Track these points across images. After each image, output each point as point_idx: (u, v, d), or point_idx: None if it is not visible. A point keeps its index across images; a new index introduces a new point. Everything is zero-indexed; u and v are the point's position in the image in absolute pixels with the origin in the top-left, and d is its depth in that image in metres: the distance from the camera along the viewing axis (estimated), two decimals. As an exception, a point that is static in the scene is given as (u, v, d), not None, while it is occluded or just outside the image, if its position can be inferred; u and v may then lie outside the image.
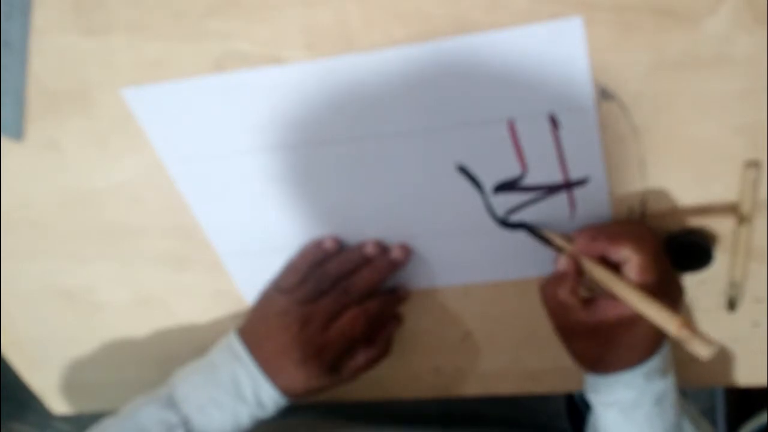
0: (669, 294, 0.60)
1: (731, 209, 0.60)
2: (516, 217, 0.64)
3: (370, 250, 0.68)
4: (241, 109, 0.61)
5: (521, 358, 0.75)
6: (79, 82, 0.62)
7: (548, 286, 0.62)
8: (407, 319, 0.74)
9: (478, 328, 0.74)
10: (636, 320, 0.58)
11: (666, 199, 0.61)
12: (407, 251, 0.68)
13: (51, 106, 0.64)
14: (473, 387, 0.78)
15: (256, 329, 0.67)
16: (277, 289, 0.68)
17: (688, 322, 0.55)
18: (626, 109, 0.56)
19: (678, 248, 0.62)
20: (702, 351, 0.54)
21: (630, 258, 0.58)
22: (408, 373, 0.78)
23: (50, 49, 0.61)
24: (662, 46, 0.53)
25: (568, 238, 0.62)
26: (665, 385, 0.62)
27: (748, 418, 1.03)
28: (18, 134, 0.66)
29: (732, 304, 0.66)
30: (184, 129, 0.63)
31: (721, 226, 0.62)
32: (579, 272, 0.61)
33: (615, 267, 0.59)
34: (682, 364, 0.70)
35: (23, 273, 0.78)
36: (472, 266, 0.69)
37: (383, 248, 0.68)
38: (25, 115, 0.65)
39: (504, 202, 0.63)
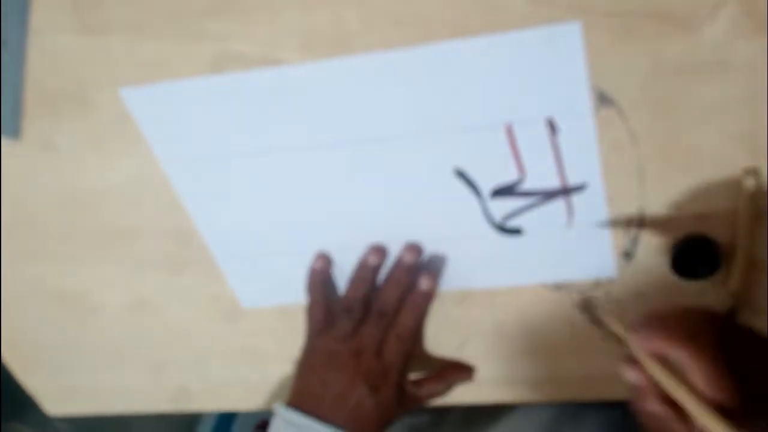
0: (758, 393, 0.48)
1: (730, 217, 0.60)
2: (513, 223, 0.64)
3: (374, 260, 0.67)
4: (239, 111, 0.61)
5: (519, 367, 0.75)
6: (76, 82, 0.62)
7: (637, 403, 0.53)
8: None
9: (476, 335, 0.73)
10: None
11: (664, 206, 0.60)
12: (417, 251, 0.67)
13: (48, 105, 0.64)
14: (470, 395, 0.77)
15: (308, 388, 0.66)
16: (313, 335, 0.67)
17: None
18: (624, 114, 0.56)
19: (684, 257, 0.62)
20: None
21: (689, 365, 0.48)
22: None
23: (48, 48, 0.61)
24: (661, 52, 0.52)
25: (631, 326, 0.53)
26: None
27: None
28: (15, 134, 0.66)
29: (732, 315, 0.65)
30: (182, 130, 0.63)
31: (720, 235, 0.61)
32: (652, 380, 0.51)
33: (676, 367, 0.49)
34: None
35: (19, 274, 0.77)
36: (469, 272, 0.69)
37: (384, 252, 0.68)
38: (23, 115, 0.65)
39: (502, 207, 0.63)
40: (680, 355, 0.48)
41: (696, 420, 0.47)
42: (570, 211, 0.62)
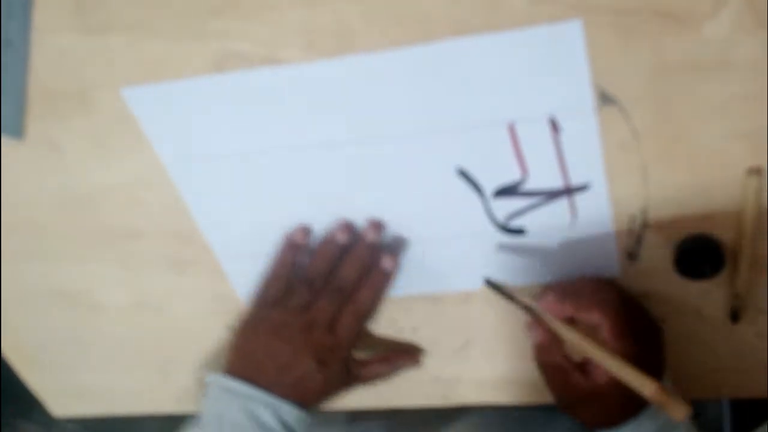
0: (647, 343, 0.60)
1: (734, 217, 0.59)
2: (516, 223, 0.64)
3: (342, 238, 0.66)
4: (241, 110, 0.61)
5: (521, 367, 0.75)
6: (79, 81, 0.62)
7: (541, 355, 0.62)
8: (406, 327, 0.73)
9: (478, 336, 0.73)
10: None
11: (667, 206, 0.60)
12: (380, 228, 0.66)
13: (51, 105, 0.64)
14: (473, 396, 0.77)
15: (250, 357, 0.65)
16: (263, 305, 0.67)
17: (663, 388, 0.56)
18: (627, 113, 0.56)
19: (688, 257, 0.61)
20: (676, 414, 0.55)
21: (601, 324, 0.58)
22: (406, 381, 0.78)
23: (51, 48, 0.61)
24: (663, 50, 0.52)
25: (534, 295, 0.62)
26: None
27: (756, 425, 1.01)
28: (18, 134, 0.66)
29: (735, 315, 0.65)
30: (184, 129, 0.63)
31: (723, 235, 0.61)
32: (557, 337, 0.61)
33: (586, 327, 0.60)
34: (685, 375, 0.69)
35: (21, 274, 0.78)
36: (472, 272, 0.68)
37: (353, 230, 0.67)
38: (26, 115, 0.65)
39: (504, 206, 0.63)
40: (591, 316, 0.59)
41: (606, 368, 0.58)
42: (573, 211, 0.62)
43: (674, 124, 0.55)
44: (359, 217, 0.66)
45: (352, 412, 0.85)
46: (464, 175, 0.61)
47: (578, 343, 0.59)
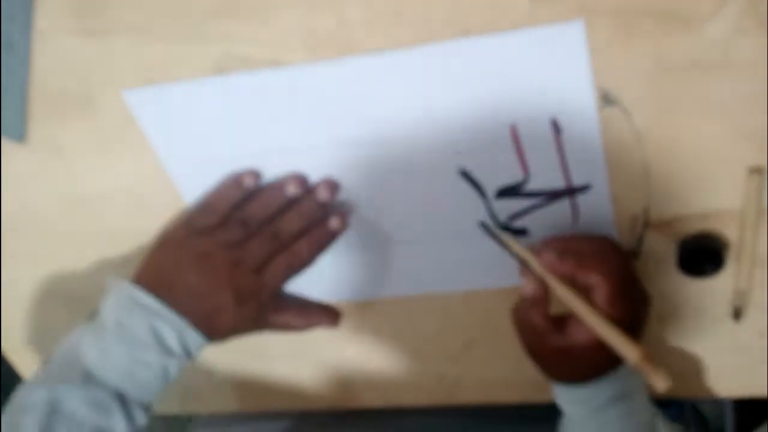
0: (636, 312, 0.60)
1: (735, 216, 0.60)
2: (519, 223, 0.64)
3: (292, 190, 0.63)
4: (243, 112, 0.61)
5: (525, 366, 0.74)
6: (81, 84, 0.63)
7: (521, 311, 0.61)
8: (409, 326, 0.73)
9: (482, 335, 0.73)
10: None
11: (669, 205, 0.60)
12: (334, 188, 0.64)
13: (53, 108, 0.64)
14: (476, 395, 0.77)
15: (165, 276, 0.61)
16: (191, 230, 0.63)
17: (649, 355, 0.54)
18: (628, 113, 0.56)
19: (691, 253, 0.61)
20: (659, 384, 0.54)
21: (598, 286, 0.57)
22: (411, 380, 0.78)
23: (52, 51, 0.61)
24: (664, 50, 0.52)
25: (533, 249, 0.60)
26: (635, 382, 0.62)
27: (757, 425, 1.01)
28: (20, 136, 0.66)
29: (737, 314, 0.65)
30: (186, 131, 0.63)
31: (725, 234, 0.61)
32: (546, 293, 0.59)
33: (581, 286, 0.58)
34: (687, 374, 0.70)
35: (23, 274, 0.78)
36: (475, 273, 0.68)
37: (305, 185, 0.64)
38: (27, 117, 0.65)
39: (506, 207, 0.63)
40: (589, 278, 0.57)
41: (592, 328, 0.56)
42: (575, 211, 0.62)
43: (675, 124, 0.55)
44: (360, 216, 0.66)
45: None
46: (466, 175, 0.62)
47: (569, 301, 0.57)
